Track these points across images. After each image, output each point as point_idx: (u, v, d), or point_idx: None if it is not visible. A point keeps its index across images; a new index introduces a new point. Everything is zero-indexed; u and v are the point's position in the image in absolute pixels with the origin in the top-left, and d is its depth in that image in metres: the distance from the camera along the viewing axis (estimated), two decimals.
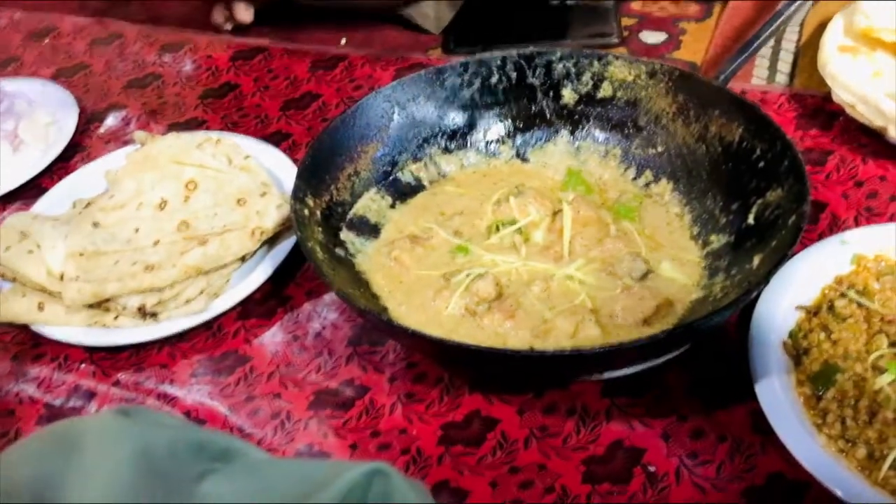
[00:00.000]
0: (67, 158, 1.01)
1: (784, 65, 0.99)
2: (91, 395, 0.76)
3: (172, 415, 0.71)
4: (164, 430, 0.46)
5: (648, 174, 0.83)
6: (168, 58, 1.15)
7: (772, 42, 0.99)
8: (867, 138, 0.86)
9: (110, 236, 0.81)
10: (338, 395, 0.72)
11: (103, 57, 1.18)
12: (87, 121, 1.07)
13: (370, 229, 0.80)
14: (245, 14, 1.12)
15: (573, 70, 0.84)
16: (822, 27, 0.96)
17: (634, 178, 0.83)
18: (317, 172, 0.77)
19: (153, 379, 0.76)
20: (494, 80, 0.86)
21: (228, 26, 1.16)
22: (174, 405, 0.74)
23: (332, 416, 0.71)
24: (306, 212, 0.73)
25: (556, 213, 0.79)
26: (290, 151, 0.96)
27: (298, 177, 0.74)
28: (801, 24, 1.02)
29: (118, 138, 1.04)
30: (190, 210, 0.83)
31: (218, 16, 1.16)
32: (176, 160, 0.86)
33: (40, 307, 0.79)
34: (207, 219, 0.82)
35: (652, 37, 1.07)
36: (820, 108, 0.91)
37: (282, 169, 0.90)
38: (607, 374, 0.68)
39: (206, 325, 0.79)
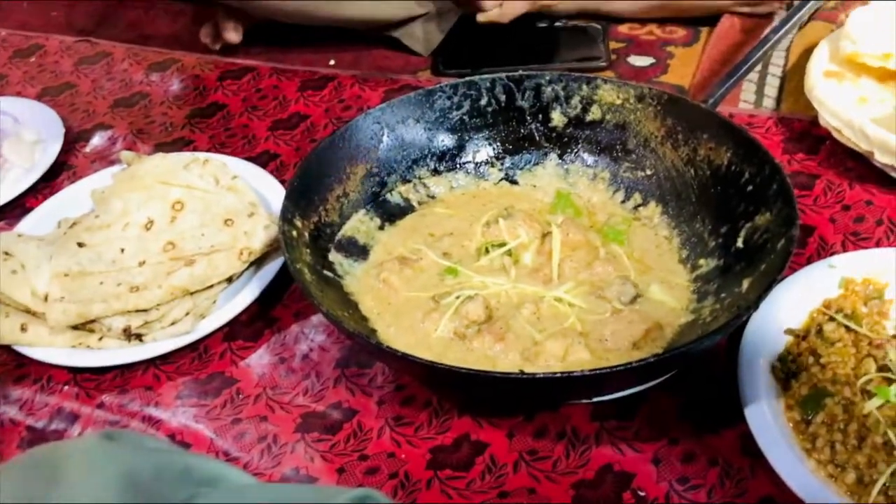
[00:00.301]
0: (53, 178, 1.00)
1: (771, 89, 0.99)
2: (74, 417, 0.75)
3: (157, 438, 0.70)
4: (149, 455, 0.45)
5: (637, 197, 0.83)
6: (155, 77, 1.15)
7: (759, 67, 1.00)
8: (853, 162, 0.87)
9: (96, 256, 0.81)
10: (325, 418, 0.71)
11: (90, 76, 1.17)
12: (73, 140, 1.06)
13: (359, 251, 0.80)
14: (233, 34, 1.12)
15: (562, 93, 0.85)
16: (807, 52, 0.97)
17: (623, 201, 0.83)
18: (305, 193, 0.77)
19: (138, 401, 0.75)
20: (484, 102, 0.86)
21: (217, 46, 1.16)
22: (159, 428, 0.73)
23: (319, 439, 0.70)
24: (294, 233, 0.73)
25: (546, 235, 0.79)
26: (278, 172, 0.96)
27: (287, 198, 0.74)
28: (788, 50, 1.03)
29: (104, 158, 1.03)
30: (176, 230, 0.82)
31: (206, 36, 1.16)
32: (163, 180, 0.86)
33: (23, 328, 0.77)
34: (194, 239, 0.81)
35: (640, 60, 1.08)
36: (807, 132, 0.91)
37: (269, 190, 0.90)
38: (597, 398, 0.68)
39: (192, 347, 0.78)
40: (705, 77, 1.01)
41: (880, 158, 0.82)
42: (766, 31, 1.04)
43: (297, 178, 0.76)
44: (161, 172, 0.87)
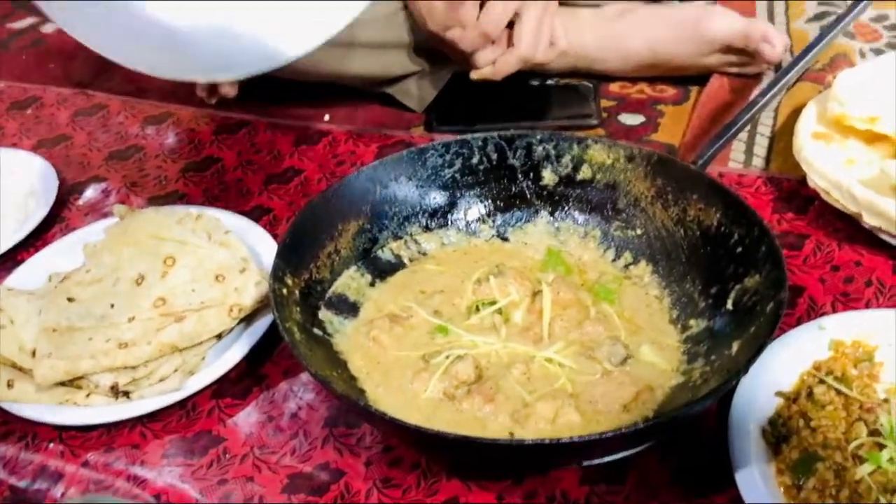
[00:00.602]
0: (45, 230, 1.00)
1: (760, 149, 1.00)
2: (59, 475, 0.74)
3: (138, 503, 0.69)
4: None
5: (628, 256, 0.83)
6: (151, 130, 1.16)
7: (748, 127, 1.01)
8: (842, 223, 0.87)
9: (85, 312, 0.80)
10: (312, 479, 0.71)
11: (86, 129, 1.18)
12: (67, 192, 1.06)
13: (349, 308, 0.80)
14: (229, 88, 1.13)
15: (553, 152, 0.86)
16: (796, 113, 0.98)
17: (614, 260, 0.84)
18: (297, 250, 0.77)
19: (123, 460, 0.74)
20: (475, 160, 0.87)
21: (213, 100, 1.17)
22: (144, 487, 0.72)
23: (306, 501, 0.69)
24: (285, 291, 0.73)
25: (536, 293, 0.79)
26: (271, 226, 0.96)
27: (278, 255, 0.74)
28: (776, 110, 1.05)
29: (97, 210, 1.03)
30: (167, 286, 0.82)
31: (202, 90, 1.17)
32: (155, 235, 0.86)
33: (10, 384, 0.77)
34: (185, 295, 0.81)
35: (630, 119, 1.09)
36: (796, 191, 0.92)
37: (262, 244, 0.90)
38: (587, 461, 0.67)
39: (180, 404, 0.77)
40: (695, 136, 1.02)
41: (868, 220, 0.83)
42: (755, 92, 1.06)
43: (288, 235, 0.76)
44: (154, 227, 0.87)
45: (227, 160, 1.08)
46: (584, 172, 0.85)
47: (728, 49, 1.07)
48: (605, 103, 1.11)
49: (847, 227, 0.87)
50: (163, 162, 1.10)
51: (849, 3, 1.23)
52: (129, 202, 1.04)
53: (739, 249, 0.74)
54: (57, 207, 1.02)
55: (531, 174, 0.87)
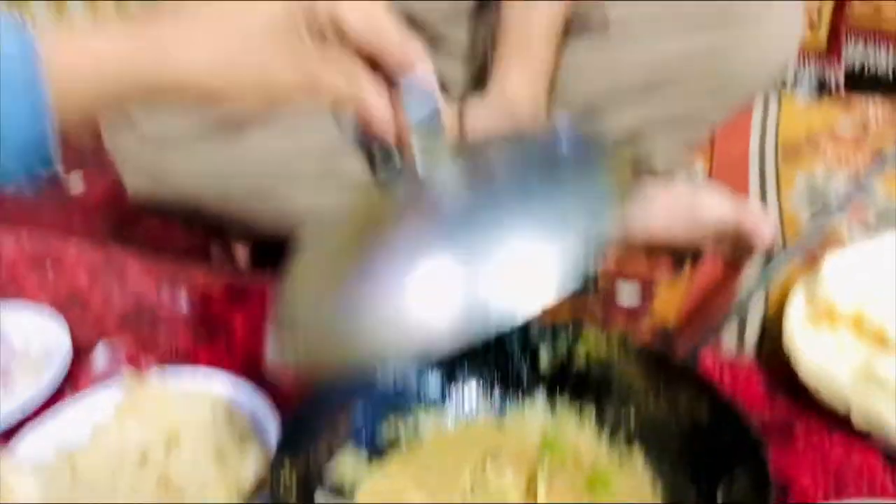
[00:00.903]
0: (55, 392, 1.02)
1: (752, 331, 1.03)
2: None
3: None
4: None
5: (621, 443, 0.85)
6: (165, 292, 1.19)
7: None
8: (832, 413, 0.89)
9: (88, 489, 0.82)
10: None
11: (101, 287, 1.22)
12: (79, 352, 1.08)
13: (345, 493, 0.81)
14: (241, 256, 1.17)
15: (549, 339, 0.89)
16: (785, 294, 1.01)
17: (608, 447, 0.85)
18: (298, 436, 0.79)
19: None
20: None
21: (227, 265, 1.21)
22: None
23: None
24: (283, 481, 0.74)
25: (532, 479, 0.80)
26: (276, 398, 0.98)
27: (280, 443, 0.76)
28: (767, 295, 1.08)
29: (108, 374, 1.06)
30: (171, 464, 0.84)
31: (217, 254, 1.22)
32: (161, 410, 0.88)
33: None
34: (187, 474, 0.83)
35: (627, 293, 1.13)
36: (786, 380, 0.94)
37: (267, 418, 0.92)
38: None
39: None
40: (687, 319, 1.05)
41: (856, 418, 0.84)
42: (746, 271, 1.10)
43: (290, 422, 0.79)
44: (160, 401, 0.90)
45: (238, 326, 1.11)
46: (579, 359, 0.88)
47: (720, 233, 1.12)
48: (601, 281, 1.15)
49: (838, 417, 0.88)
50: (175, 325, 1.13)
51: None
52: (140, 365, 1.06)
53: (727, 444, 0.76)
54: (68, 370, 1.04)
55: (528, 359, 0.90)
